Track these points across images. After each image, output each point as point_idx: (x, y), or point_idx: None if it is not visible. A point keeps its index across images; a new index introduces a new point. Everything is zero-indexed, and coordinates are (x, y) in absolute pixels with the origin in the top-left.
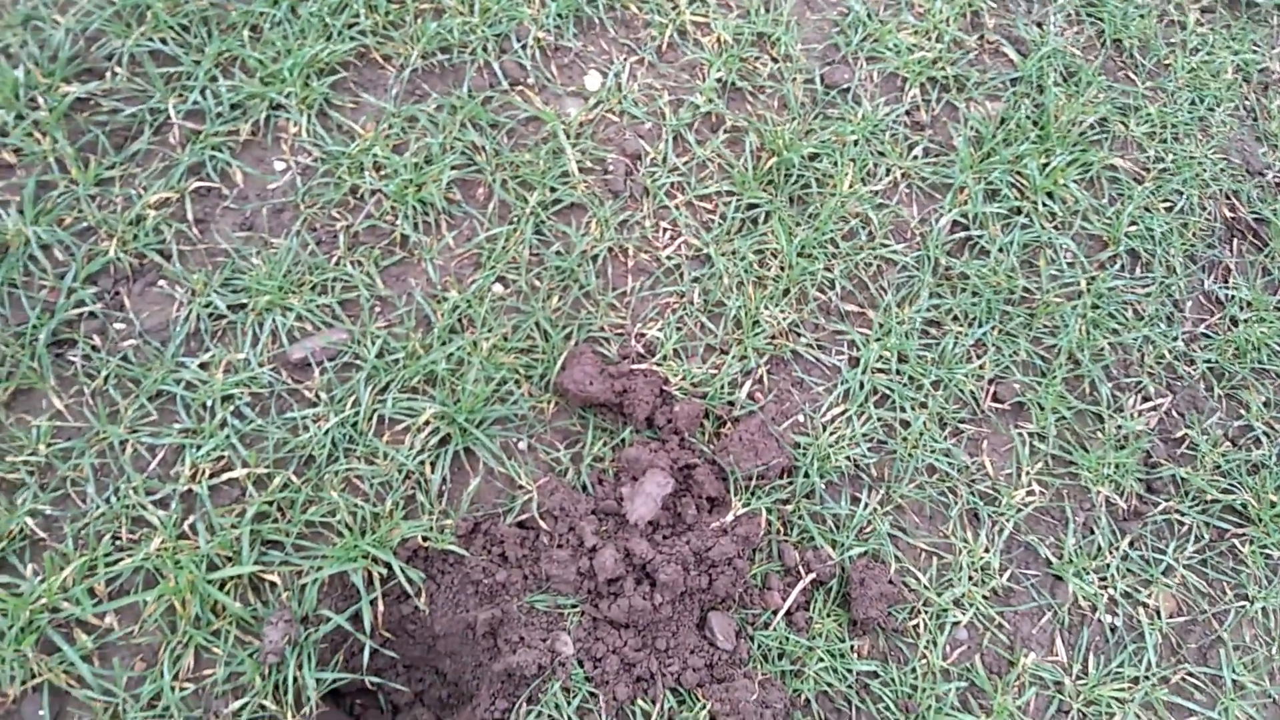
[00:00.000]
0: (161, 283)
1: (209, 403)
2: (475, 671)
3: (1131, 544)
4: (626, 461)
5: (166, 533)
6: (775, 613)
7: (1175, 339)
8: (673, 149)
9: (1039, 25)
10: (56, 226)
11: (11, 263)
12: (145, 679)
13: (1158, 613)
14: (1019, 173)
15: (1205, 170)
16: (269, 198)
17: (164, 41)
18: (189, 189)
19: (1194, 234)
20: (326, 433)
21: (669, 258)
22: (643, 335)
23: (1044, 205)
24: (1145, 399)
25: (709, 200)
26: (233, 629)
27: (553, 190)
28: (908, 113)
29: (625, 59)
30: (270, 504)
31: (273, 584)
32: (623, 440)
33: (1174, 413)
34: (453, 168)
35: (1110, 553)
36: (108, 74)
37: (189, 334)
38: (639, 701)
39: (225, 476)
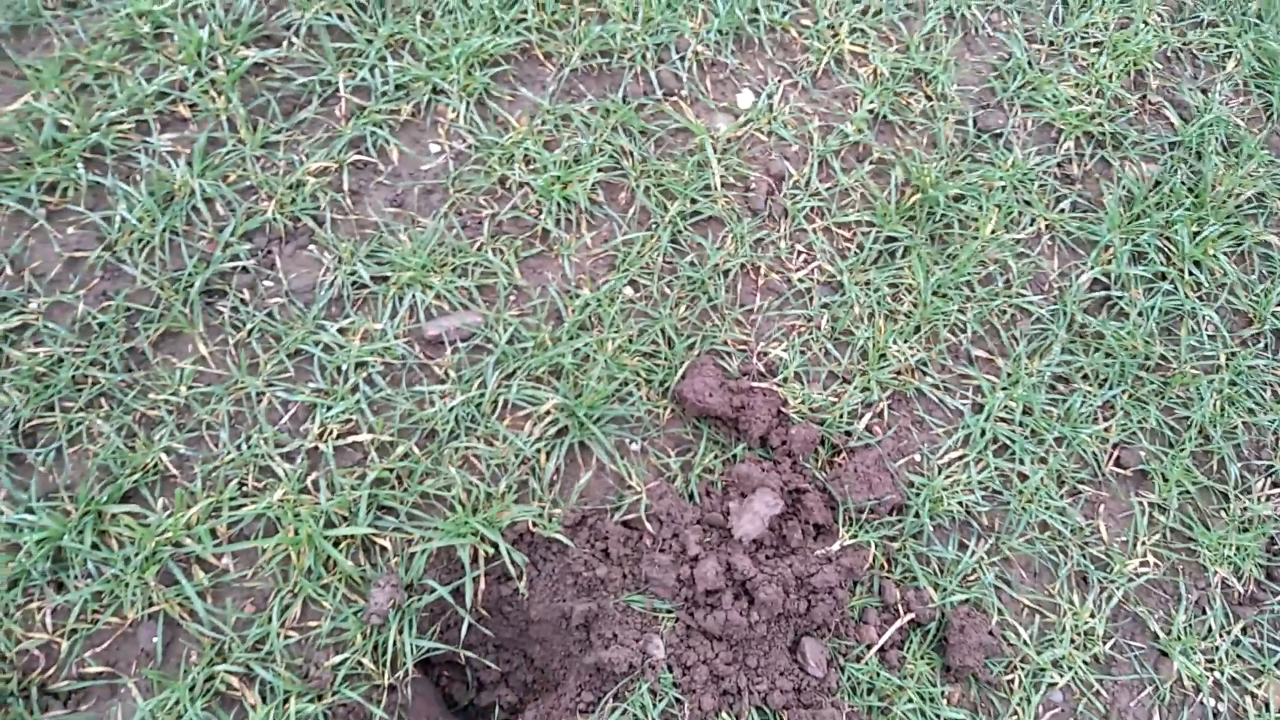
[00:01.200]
0: (312, 247)
1: (343, 366)
2: (564, 661)
3: (1245, 629)
4: (737, 477)
5: (290, 485)
6: (869, 647)
7: None
8: (817, 174)
9: (1204, 91)
10: (221, 182)
11: (176, 211)
12: (253, 622)
13: (1266, 705)
14: (1168, 238)
15: None
16: (421, 178)
17: (341, 18)
18: (348, 161)
19: None
20: (451, 410)
21: (800, 280)
22: (765, 354)
23: (1190, 274)
24: (1275, 484)
25: (847, 228)
26: (341, 586)
27: (693, 201)
28: (1059, 165)
29: (780, 81)
30: (390, 471)
31: (383, 548)
32: (734, 455)
33: None
34: (599, 169)
35: (1221, 635)
36: (285, 43)
37: (332, 299)
38: (723, 715)
39: (351, 439)
